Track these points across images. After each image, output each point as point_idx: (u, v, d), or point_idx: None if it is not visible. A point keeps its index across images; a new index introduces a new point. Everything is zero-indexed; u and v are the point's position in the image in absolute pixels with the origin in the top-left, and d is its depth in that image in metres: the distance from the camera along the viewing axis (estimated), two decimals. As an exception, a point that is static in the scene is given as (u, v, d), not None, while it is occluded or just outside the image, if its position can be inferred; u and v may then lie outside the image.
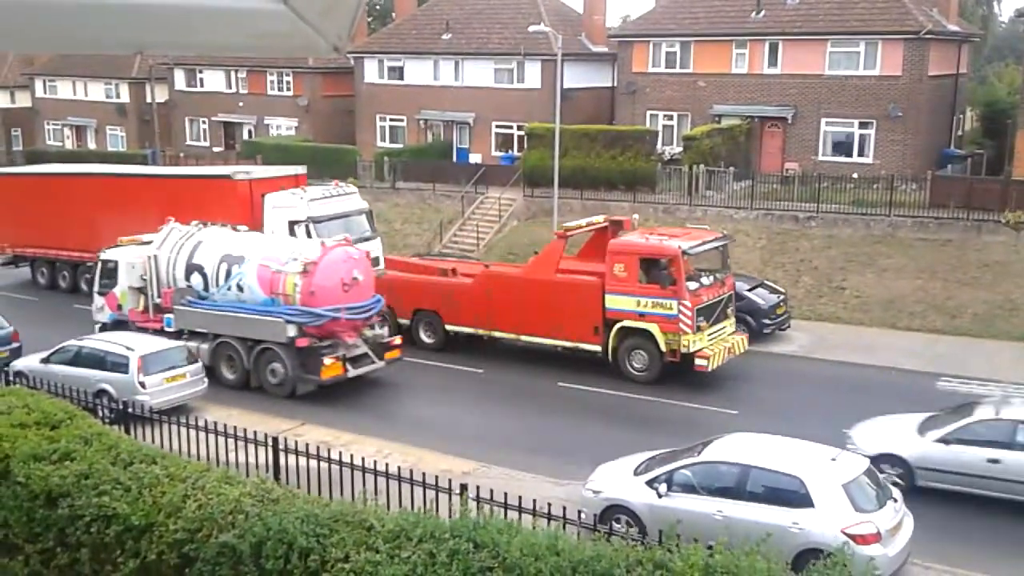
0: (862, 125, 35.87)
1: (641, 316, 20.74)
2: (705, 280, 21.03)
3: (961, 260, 27.47)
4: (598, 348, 21.49)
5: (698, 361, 20.30)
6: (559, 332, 21.99)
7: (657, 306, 20.50)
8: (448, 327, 23.73)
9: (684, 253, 20.29)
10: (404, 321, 24.13)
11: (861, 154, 35.94)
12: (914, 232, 28.94)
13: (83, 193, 30.28)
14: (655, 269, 20.63)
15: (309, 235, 24.75)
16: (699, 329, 20.40)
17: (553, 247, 22.82)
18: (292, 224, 25.31)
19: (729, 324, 21.70)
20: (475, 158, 42.98)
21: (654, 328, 20.57)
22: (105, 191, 29.81)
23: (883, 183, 30.97)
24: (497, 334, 23.14)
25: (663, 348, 20.55)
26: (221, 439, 13.19)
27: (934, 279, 26.69)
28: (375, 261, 26.41)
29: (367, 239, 26.39)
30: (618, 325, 21.06)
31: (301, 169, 29.02)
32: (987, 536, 13.72)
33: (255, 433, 13.25)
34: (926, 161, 34.95)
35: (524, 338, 22.78)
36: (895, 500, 12.13)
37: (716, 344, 20.80)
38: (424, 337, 24.18)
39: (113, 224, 28.39)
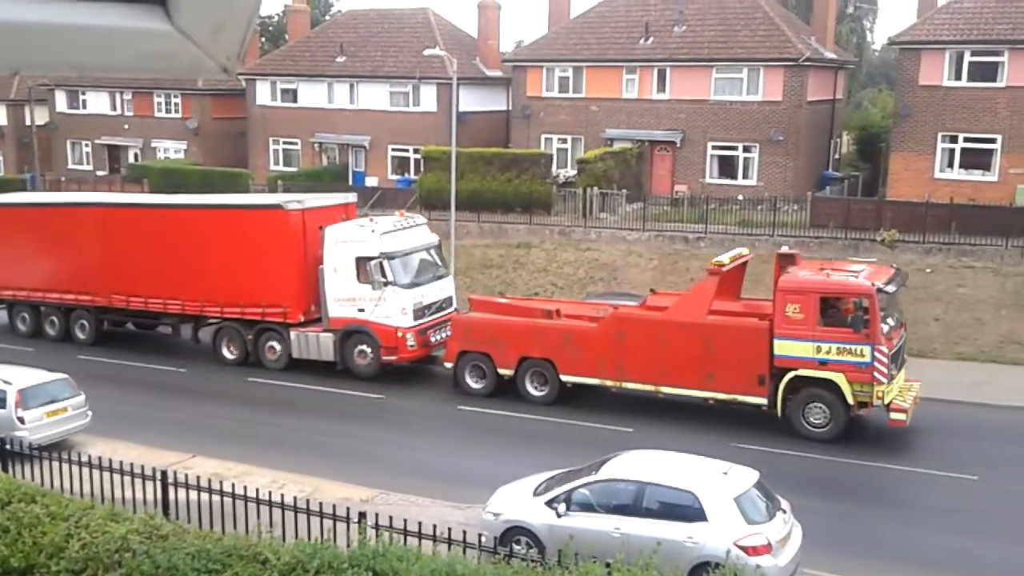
0: (746, 149, 37.24)
1: (822, 364, 18.02)
2: (891, 321, 18.47)
3: (841, 278, 28.65)
4: (763, 401, 18.80)
5: (893, 415, 17.91)
6: (712, 383, 19.10)
7: (845, 352, 17.79)
8: (564, 377, 20.68)
9: (879, 291, 17.72)
10: (506, 371, 21.18)
11: (746, 176, 37.29)
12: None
13: (94, 226, 26.23)
14: (839, 310, 18.21)
15: (384, 274, 22.24)
16: (891, 378, 17.95)
17: (704, 285, 19.90)
18: (361, 261, 22.44)
19: (904, 370, 19.27)
20: (371, 181, 42.74)
21: (839, 378, 17.85)
22: (125, 224, 26.00)
23: (767, 204, 32.16)
24: (629, 385, 20.22)
25: (850, 401, 17.91)
26: (106, 474, 12.67)
27: (817, 296, 27.74)
28: (448, 301, 23.80)
29: (441, 277, 24.06)
30: (791, 375, 18.33)
31: (351, 197, 26.34)
32: (870, 543, 14.30)
33: (142, 467, 12.78)
34: (806, 183, 36.48)
35: (665, 390, 19.81)
36: (784, 512, 12.53)
37: (904, 393, 18.47)
38: (532, 389, 21.09)
39: (137, 262, 25.21)
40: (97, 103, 50.96)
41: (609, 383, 20.44)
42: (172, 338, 26.55)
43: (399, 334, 22.44)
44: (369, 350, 22.91)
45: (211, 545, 8.15)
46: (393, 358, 22.69)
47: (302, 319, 23.76)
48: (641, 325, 20.18)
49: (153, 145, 49.63)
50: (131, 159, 49.62)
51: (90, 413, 18.66)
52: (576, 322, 21.30)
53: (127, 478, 12.65)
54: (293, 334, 23.76)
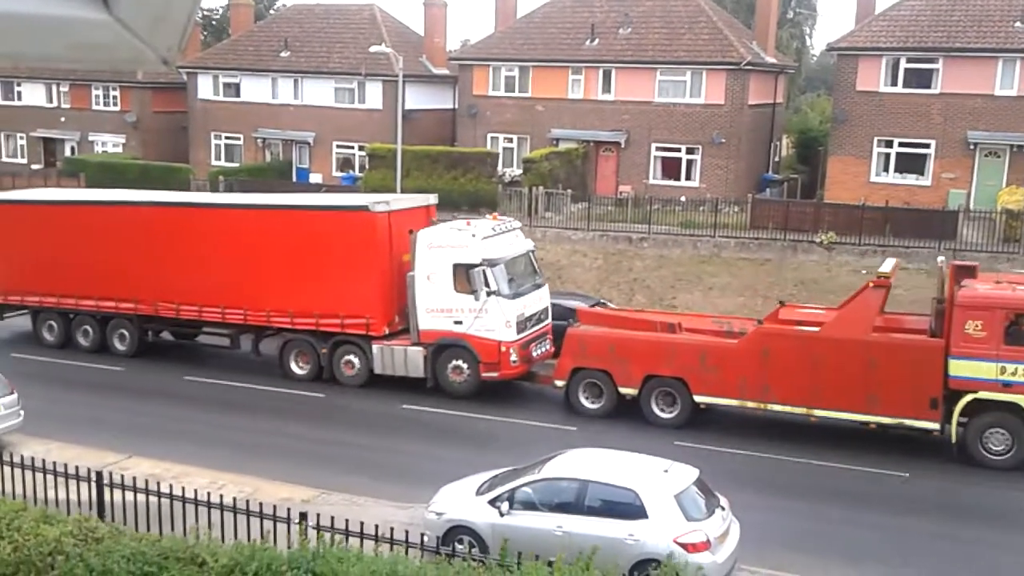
0: (689, 151, 37.72)
1: (1006, 386, 16.90)
2: None
3: (779, 278, 29.23)
4: (935, 425, 17.58)
5: None
6: (875, 406, 17.76)
7: None
8: (698, 398, 19.14)
9: None
10: (629, 390, 19.57)
11: (688, 178, 37.77)
12: (737, 252, 30.58)
13: (139, 227, 24.03)
14: (1020, 327, 17.10)
15: (487, 283, 20.30)
16: None
17: (867, 299, 18.32)
18: (459, 268, 20.57)
19: None
20: (316, 178, 42.35)
21: None
22: (178, 225, 23.85)
23: (708, 206, 32.62)
24: (775, 407, 18.66)
25: None
26: (39, 475, 12.36)
27: (755, 296, 28.27)
28: (545, 312, 21.97)
29: (540, 286, 22.10)
30: (969, 397, 17.17)
31: (432, 198, 23.94)
32: (804, 540, 14.62)
33: (77, 468, 12.49)
34: (747, 185, 37.08)
35: (819, 413, 18.37)
36: (723, 509, 12.72)
37: None
38: (659, 411, 19.45)
39: (192, 267, 23.19)
40: (33, 95, 49.67)
41: (751, 404, 18.96)
42: (229, 351, 24.22)
43: (502, 348, 20.61)
44: (466, 366, 21.04)
45: (147, 547, 8.01)
46: (495, 374, 20.89)
47: (386, 331, 21.89)
48: (791, 342, 18.61)
49: (91, 138, 48.54)
50: (67, 152, 48.46)
51: (23, 412, 18.17)
52: (713, 338, 19.84)
53: (61, 479, 12.36)
54: (376, 348, 21.74)
